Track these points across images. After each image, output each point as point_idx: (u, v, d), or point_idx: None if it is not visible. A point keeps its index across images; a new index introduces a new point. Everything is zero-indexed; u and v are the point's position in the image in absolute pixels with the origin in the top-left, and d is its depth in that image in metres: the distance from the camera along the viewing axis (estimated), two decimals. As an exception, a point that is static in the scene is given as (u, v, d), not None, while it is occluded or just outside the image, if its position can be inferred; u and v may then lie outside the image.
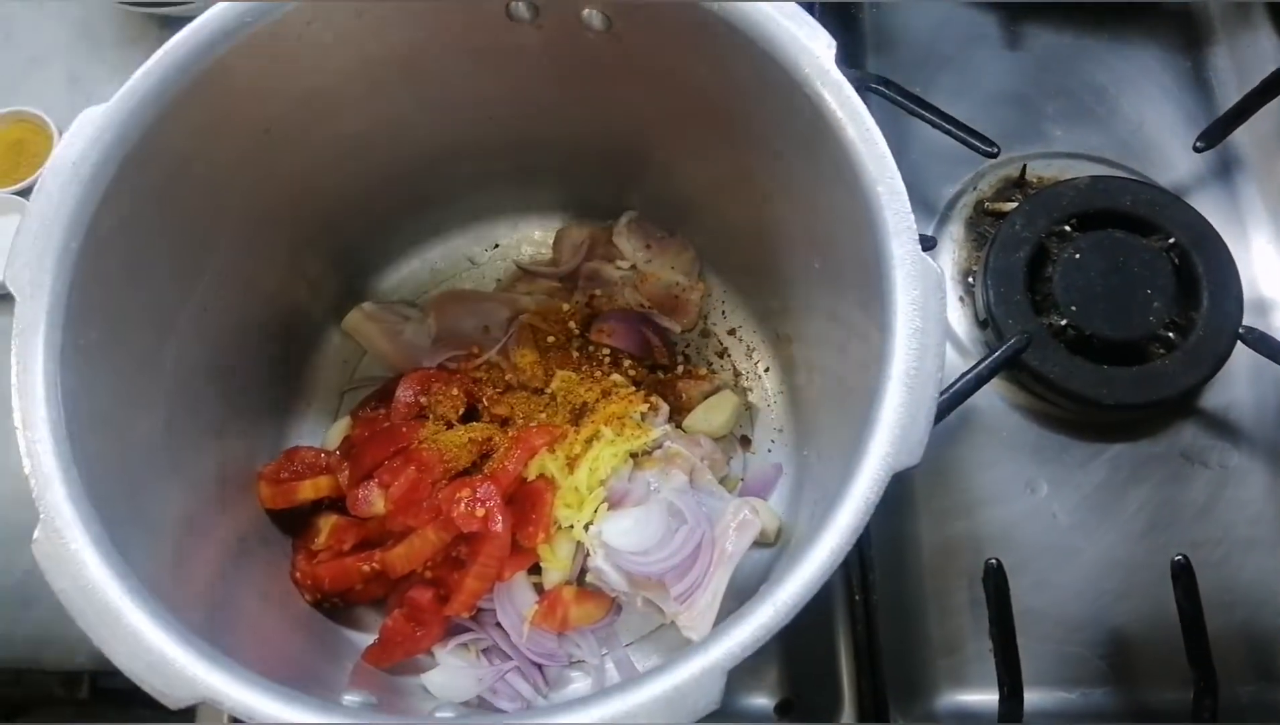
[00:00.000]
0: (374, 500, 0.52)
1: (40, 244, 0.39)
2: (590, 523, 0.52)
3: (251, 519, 0.53)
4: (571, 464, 0.53)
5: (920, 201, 0.69)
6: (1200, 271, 0.62)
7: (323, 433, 0.60)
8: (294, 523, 0.56)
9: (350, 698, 0.42)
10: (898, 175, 0.41)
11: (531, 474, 0.53)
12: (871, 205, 0.41)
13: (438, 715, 0.48)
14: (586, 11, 0.46)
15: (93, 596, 0.35)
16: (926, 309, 0.39)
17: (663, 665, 0.35)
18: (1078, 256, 0.63)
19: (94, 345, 0.41)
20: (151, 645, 0.34)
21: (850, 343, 0.48)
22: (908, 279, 0.40)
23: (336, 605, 0.54)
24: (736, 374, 0.63)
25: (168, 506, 0.45)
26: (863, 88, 0.65)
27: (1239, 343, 0.61)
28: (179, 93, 0.42)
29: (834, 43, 0.42)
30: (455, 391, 0.55)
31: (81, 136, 0.40)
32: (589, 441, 0.54)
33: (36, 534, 0.36)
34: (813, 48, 0.42)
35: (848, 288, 0.47)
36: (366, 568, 0.51)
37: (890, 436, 0.38)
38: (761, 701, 0.59)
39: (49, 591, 0.55)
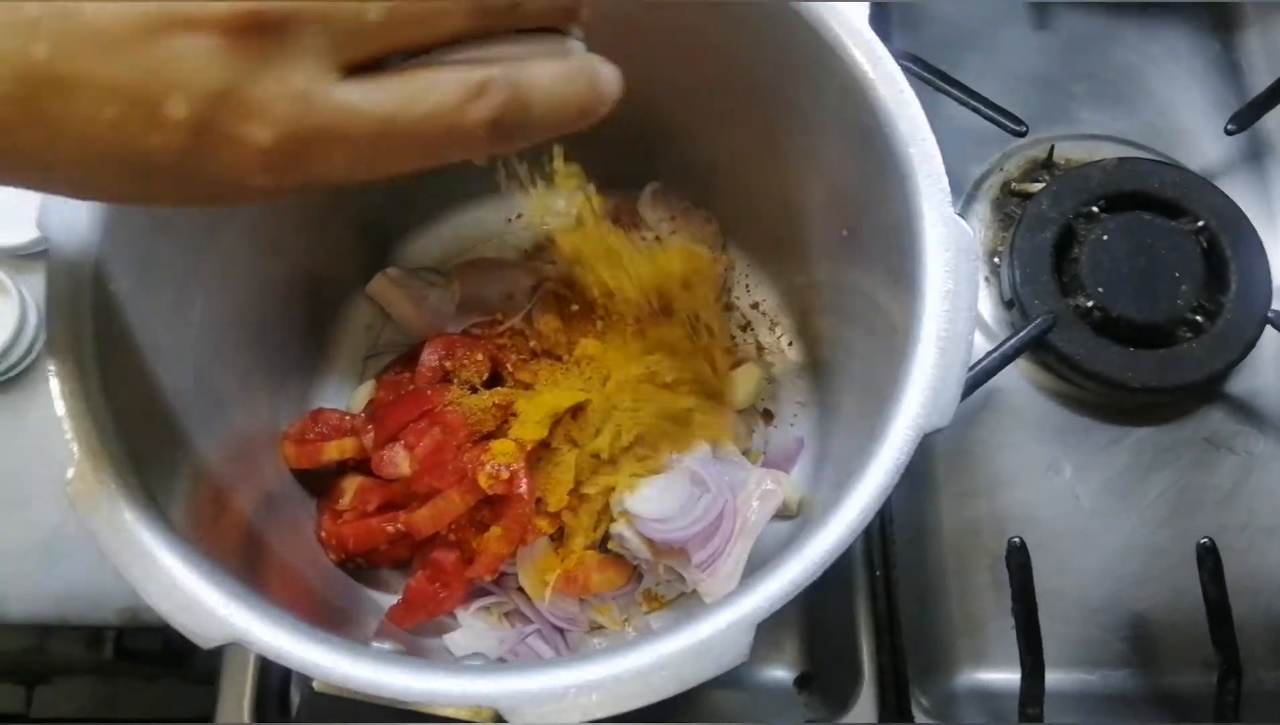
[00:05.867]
0: (399, 462, 0.52)
1: (76, 189, 0.39)
2: (614, 488, 0.52)
3: (275, 478, 0.54)
4: (595, 430, 0.53)
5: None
6: (1229, 255, 0.62)
7: (346, 396, 0.61)
8: (318, 483, 0.56)
9: (380, 645, 0.43)
10: (931, 136, 0.40)
11: (555, 439, 0.53)
12: (904, 168, 0.41)
13: (466, 663, 0.48)
14: (617, -29, 0.46)
15: (126, 536, 0.35)
16: (959, 272, 0.39)
17: (690, 618, 0.35)
18: (1105, 238, 0.62)
19: (125, 294, 0.41)
20: (185, 585, 0.34)
21: (877, 315, 0.47)
22: (940, 242, 0.40)
23: (361, 566, 0.54)
24: (760, 347, 0.63)
25: (195, 460, 0.45)
26: (890, 63, 0.65)
27: (1268, 327, 0.61)
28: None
29: (867, 2, 0.42)
30: (480, 356, 0.55)
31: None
32: (611, 408, 0.54)
33: (70, 474, 0.36)
34: (844, 8, 0.42)
35: (877, 256, 0.47)
36: (391, 529, 0.51)
37: (921, 397, 0.38)
38: (781, 674, 0.59)
39: (76, 547, 0.57)
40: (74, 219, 0.39)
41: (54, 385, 0.37)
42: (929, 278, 0.39)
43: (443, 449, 0.51)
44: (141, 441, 0.39)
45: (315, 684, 0.34)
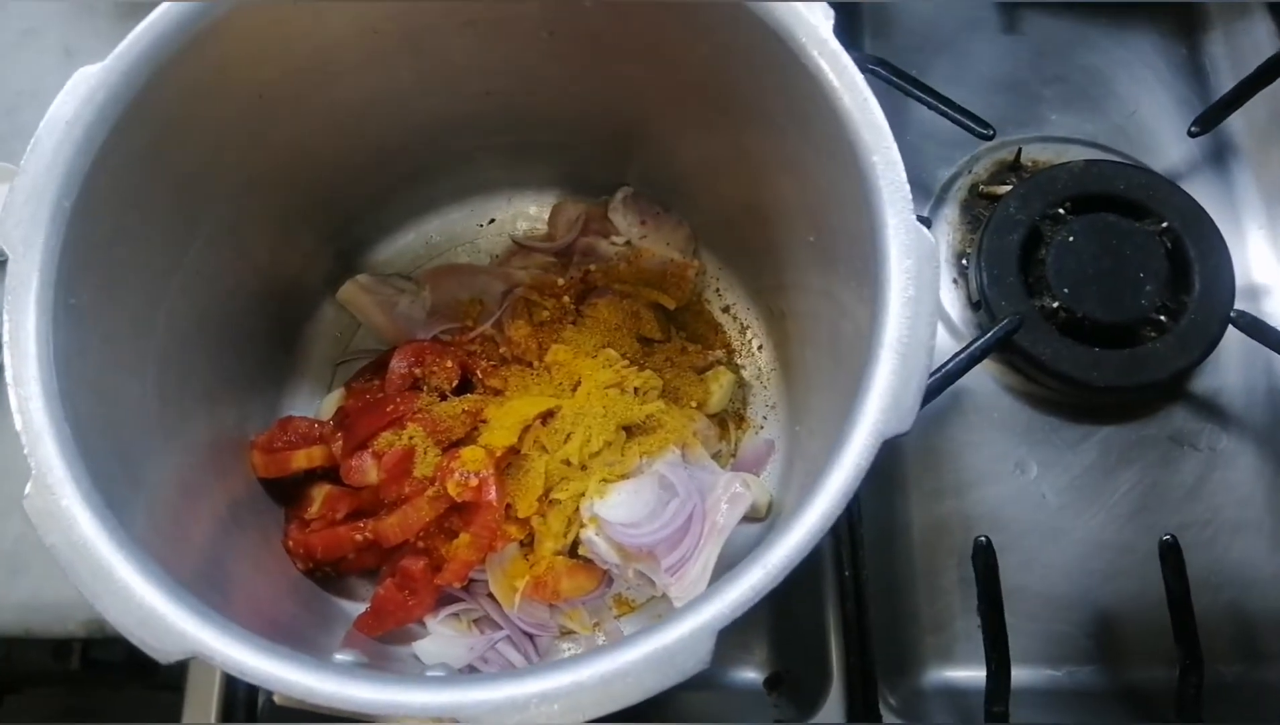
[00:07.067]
0: (368, 470, 0.52)
1: (34, 202, 0.39)
2: (583, 493, 0.52)
3: (243, 487, 0.53)
4: (564, 436, 0.53)
5: (915, 184, 0.66)
6: (1193, 256, 0.63)
7: (316, 404, 0.60)
8: (286, 492, 0.56)
9: (341, 657, 0.43)
10: (894, 145, 0.41)
11: (525, 445, 0.53)
12: (867, 176, 0.41)
13: (428, 675, 0.48)
14: (584, -22, 0.46)
15: (84, 552, 0.35)
16: (920, 278, 0.40)
17: (652, 626, 0.35)
18: (1071, 239, 0.63)
19: (85, 306, 0.40)
20: (143, 600, 0.34)
21: (843, 319, 0.48)
22: (902, 249, 0.40)
23: (328, 574, 0.54)
24: (731, 350, 0.64)
25: (159, 471, 0.45)
26: (860, 68, 0.65)
27: (1230, 327, 0.62)
28: (174, 52, 0.41)
29: (831, 12, 0.42)
30: (449, 363, 0.55)
31: (75, 95, 0.40)
32: (581, 414, 0.54)
33: (28, 490, 0.36)
34: (810, 17, 0.42)
35: (842, 262, 0.47)
36: (359, 537, 0.51)
37: (881, 403, 0.38)
38: (750, 675, 0.59)
39: (39, 559, 0.56)
40: (33, 230, 0.39)
41: (12, 398, 0.37)
42: (891, 284, 0.40)
43: (411, 457, 0.51)
44: (102, 453, 0.39)
45: (276, 697, 0.34)
